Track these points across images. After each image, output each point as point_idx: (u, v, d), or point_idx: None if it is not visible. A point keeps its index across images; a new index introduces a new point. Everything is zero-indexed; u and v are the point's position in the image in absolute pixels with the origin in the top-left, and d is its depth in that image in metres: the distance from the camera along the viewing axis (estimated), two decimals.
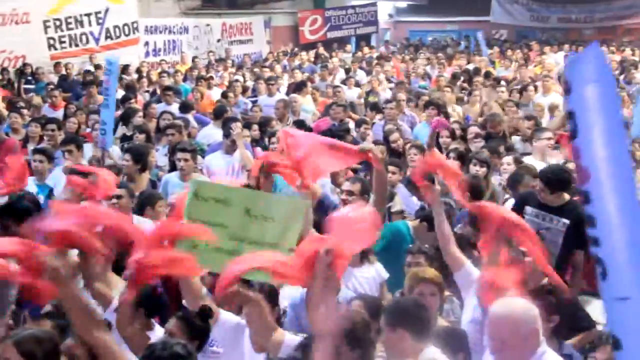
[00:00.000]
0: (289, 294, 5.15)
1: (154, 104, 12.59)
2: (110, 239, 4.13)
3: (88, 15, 17.56)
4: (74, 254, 4.36)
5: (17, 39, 16.62)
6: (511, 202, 6.86)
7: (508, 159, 7.93)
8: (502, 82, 16.05)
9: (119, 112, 11.17)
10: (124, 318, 4.19)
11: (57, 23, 17.15)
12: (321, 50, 23.68)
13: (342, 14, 26.90)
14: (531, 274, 4.80)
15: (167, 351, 3.61)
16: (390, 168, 7.22)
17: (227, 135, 8.96)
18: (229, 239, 4.41)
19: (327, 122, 10.95)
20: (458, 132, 9.66)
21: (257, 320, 4.14)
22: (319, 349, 3.21)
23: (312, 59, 21.99)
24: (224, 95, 14.05)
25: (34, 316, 4.72)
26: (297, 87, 14.63)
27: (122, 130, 10.48)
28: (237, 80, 16.27)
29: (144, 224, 5.94)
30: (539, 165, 7.53)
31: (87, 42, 17.73)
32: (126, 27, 18.36)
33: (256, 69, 18.98)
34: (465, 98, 13.85)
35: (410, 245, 5.74)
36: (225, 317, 4.57)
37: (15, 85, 14.82)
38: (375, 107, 12.30)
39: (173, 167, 8.28)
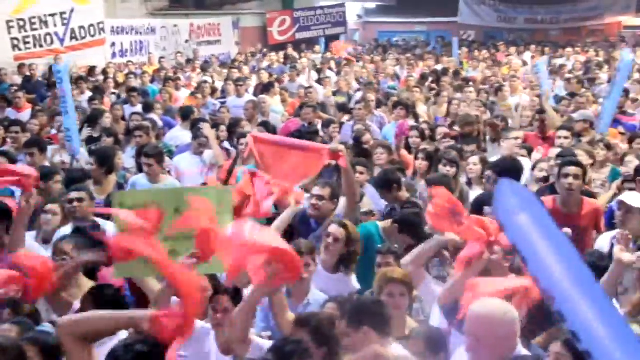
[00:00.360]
0: None
1: (119, 105, 12.52)
2: None
3: (53, 15, 17.34)
4: None
5: None
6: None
7: (474, 159, 7.96)
8: (470, 83, 16.13)
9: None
10: None
11: (21, 23, 16.90)
12: (290, 51, 23.66)
13: (310, 15, 26.92)
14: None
15: (130, 353, 3.55)
16: (358, 168, 7.24)
17: (195, 136, 8.96)
18: (163, 240, 4.37)
19: (297, 123, 10.93)
20: (427, 133, 9.71)
21: (242, 321, 4.17)
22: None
23: (282, 60, 21.97)
24: (192, 96, 14.03)
25: None
26: (265, 88, 14.61)
27: (87, 132, 10.34)
28: (205, 82, 16.18)
29: (111, 227, 5.90)
30: None
31: (52, 42, 17.50)
32: (92, 28, 18.19)
33: (225, 70, 18.92)
34: (433, 99, 13.90)
35: (380, 246, 5.73)
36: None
37: None
38: (344, 108, 12.30)
39: (141, 169, 8.23)
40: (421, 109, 12.44)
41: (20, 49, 16.96)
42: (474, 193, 7.26)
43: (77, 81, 14.71)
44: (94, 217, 6.38)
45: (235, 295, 4.60)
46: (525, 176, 7.88)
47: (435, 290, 4.88)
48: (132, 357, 3.53)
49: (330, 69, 19.62)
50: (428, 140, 9.33)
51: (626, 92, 13.19)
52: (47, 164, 8.29)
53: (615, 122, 10.84)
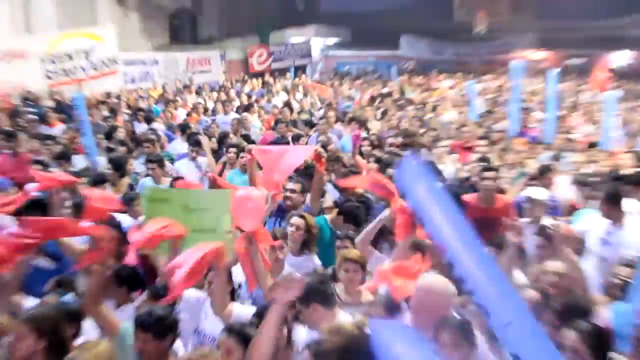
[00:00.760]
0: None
1: (130, 121, 12.54)
2: None
3: (77, 52, 17.25)
4: None
5: (21, 72, 16.20)
6: None
7: None
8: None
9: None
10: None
11: (52, 59, 16.77)
12: (267, 78, 23.62)
13: (282, 49, 26.85)
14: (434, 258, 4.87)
15: (153, 316, 3.69)
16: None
17: (192, 145, 8.96)
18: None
19: (272, 136, 10.96)
20: (376, 142, 9.79)
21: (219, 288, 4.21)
22: (269, 315, 3.19)
23: (260, 85, 21.95)
24: (189, 115, 13.99)
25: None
26: (246, 108, 14.66)
27: (105, 143, 10.27)
28: (199, 103, 16.14)
29: (125, 220, 5.88)
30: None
31: (77, 73, 17.39)
32: (108, 61, 18.01)
33: (214, 93, 18.88)
34: (380, 115, 13.99)
35: (339, 233, 5.74)
36: (189, 294, 4.54)
37: (19, 109, 14.39)
38: (309, 123, 12.37)
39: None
40: (371, 124, 12.54)
41: (52, 79, 16.80)
42: None
43: (97, 103, 14.78)
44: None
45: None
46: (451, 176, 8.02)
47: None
48: (154, 320, 3.67)
49: (298, 92, 19.67)
50: (378, 149, 9.41)
51: (527, 110, 13.45)
52: (72, 169, 8.23)
53: (522, 134, 11.04)
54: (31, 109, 14.32)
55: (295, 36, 27.95)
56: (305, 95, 18.82)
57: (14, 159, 8.77)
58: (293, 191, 6.24)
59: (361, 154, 9.16)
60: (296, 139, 10.38)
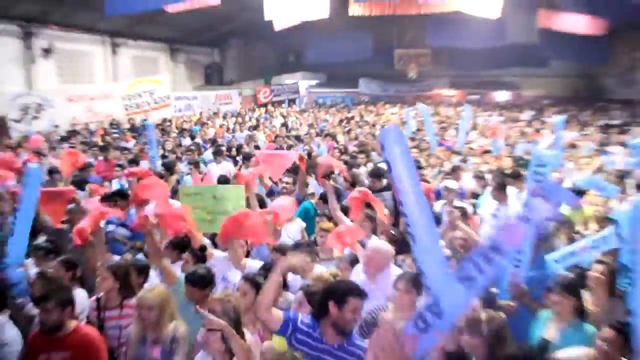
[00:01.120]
0: None
1: (178, 137, 12.40)
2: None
3: (145, 91, 17.30)
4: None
5: (110, 107, 16.35)
6: None
7: (369, 165, 8.03)
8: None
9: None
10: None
11: (129, 97, 16.84)
12: (269, 107, 23.46)
13: (279, 88, 26.64)
14: (380, 226, 4.87)
15: (197, 275, 3.63)
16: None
17: (215, 153, 8.90)
18: (207, 213, 4.54)
19: (273, 146, 10.88)
20: (343, 150, 9.79)
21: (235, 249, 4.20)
22: (274, 270, 3.10)
23: (265, 112, 21.82)
24: (216, 132, 13.90)
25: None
26: (255, 127, 14.61)
27: (160, 151, 10.16)
28: (223, 124, 16.02)
29: (176, 204, 5.80)
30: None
31: (144, 106, 17.41)
32: (164, 97, 18.00)
33: (234, 118, 18.74)
34: (346, 132, 13.97)
35: (318, 211, 5.72)
36: (218, 253, 4.48)
37: (108, 131, 14.45)
38: (298, 138, 12.33)
39: None
40: (340, 137, 12.53)
41: (128, 110, 16.79)
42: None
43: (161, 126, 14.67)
44: None
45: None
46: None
47: None
48: (198, 277, 3.61)
49: (291, 117, 19.56)
50: (344, 155, 9.40)
51: (443, 129, 13.44)
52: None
53: (441, 144, 11.06)
54: (115, 130, 14.35)
55: (288, 79, 27.69)
56: (296, 119, 18.73)
57: (105, 163, 9.04)
58: (287, 183, 6.21)
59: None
60: (289, 148, 10.34)
